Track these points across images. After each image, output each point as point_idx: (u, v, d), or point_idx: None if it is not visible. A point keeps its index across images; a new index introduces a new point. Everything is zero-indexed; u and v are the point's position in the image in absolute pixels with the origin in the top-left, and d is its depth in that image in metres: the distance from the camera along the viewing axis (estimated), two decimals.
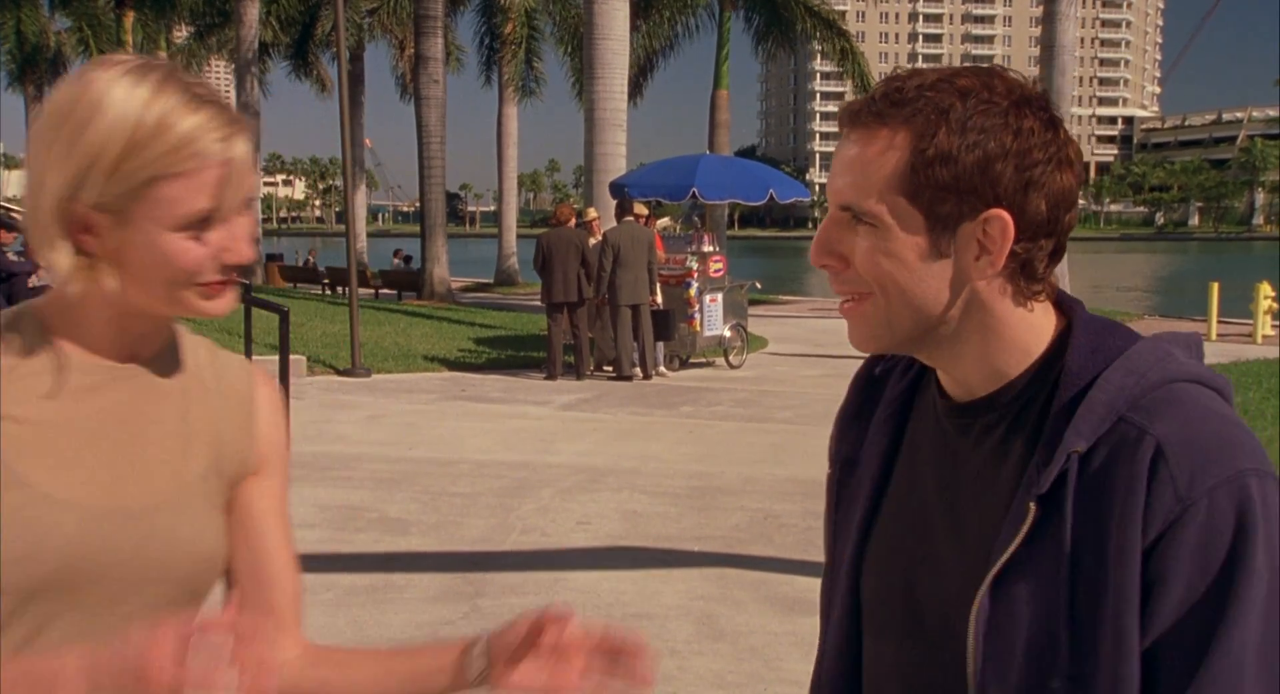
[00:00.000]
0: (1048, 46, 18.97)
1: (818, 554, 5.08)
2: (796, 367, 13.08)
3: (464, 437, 8.29)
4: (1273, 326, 17.34)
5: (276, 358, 11.38)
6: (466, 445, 7.96)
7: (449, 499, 6.34)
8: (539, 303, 12.38)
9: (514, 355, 12.86)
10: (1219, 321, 17.77)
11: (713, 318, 12.40)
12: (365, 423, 8.76)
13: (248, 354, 10.67)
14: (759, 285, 19.41)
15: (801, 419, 9.28)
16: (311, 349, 12.24)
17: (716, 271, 12.48)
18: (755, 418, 9.34)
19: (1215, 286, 17.90)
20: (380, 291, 27.39)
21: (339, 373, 11.33)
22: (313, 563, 5.33)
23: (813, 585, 4.96)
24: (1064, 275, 19.63)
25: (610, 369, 11.88)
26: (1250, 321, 17.41)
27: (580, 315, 11.58)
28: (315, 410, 9.24)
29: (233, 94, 29.35)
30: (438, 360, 12.30)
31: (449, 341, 13.80)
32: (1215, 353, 14.52)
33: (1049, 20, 18.91)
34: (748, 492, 6.65)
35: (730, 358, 12.70)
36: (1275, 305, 17.14)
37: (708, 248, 12.44)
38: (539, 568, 5.12)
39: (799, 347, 15.46)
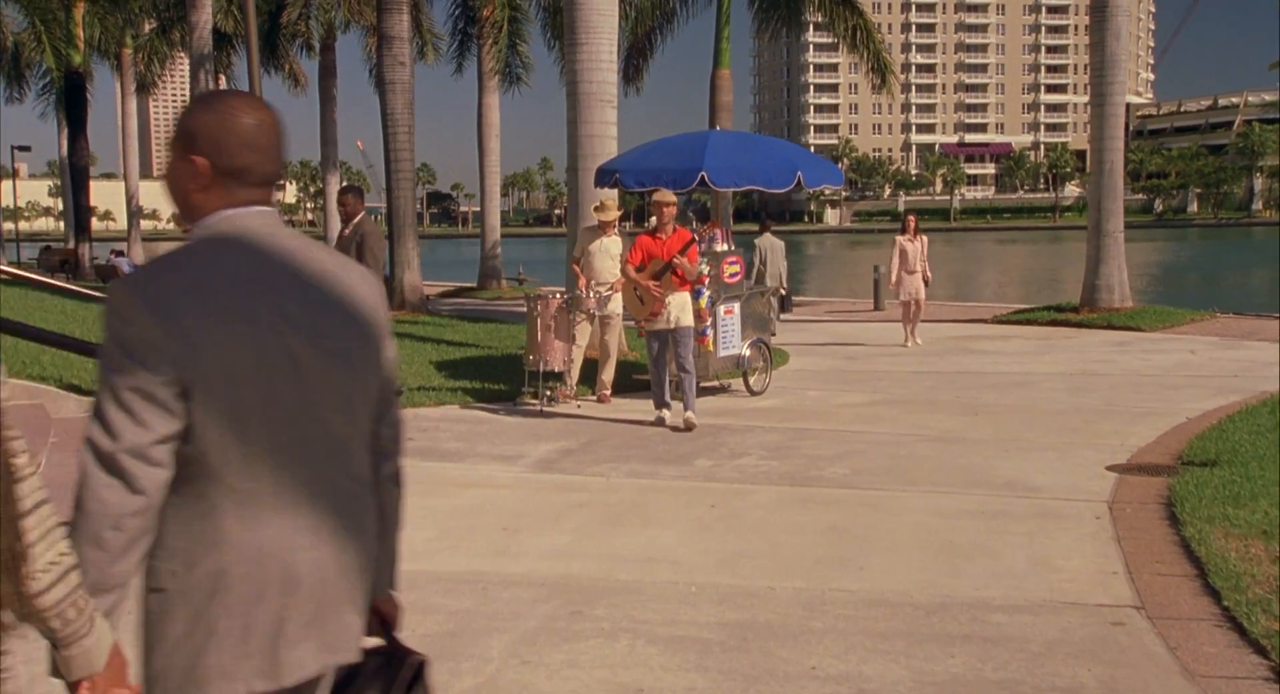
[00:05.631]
0: (1099, 8, 16.54)
1: None
2: (832, 390, 10.63)
3: None
4: None
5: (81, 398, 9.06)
6: None
7: None
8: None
9: (483, 388, 10.38)
10: None
11: (729, 334, 9.96)
12: None
13: None
14: (783, 290, 16.89)
15: (860, 479, 6.83)
16: None
17: (732, 276, 10.01)
18: (798, 478, 6.90)
19: None
20: None
21: None
22: None
23: None
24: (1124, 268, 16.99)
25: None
26: None
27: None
28: None
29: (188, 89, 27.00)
30: None
31: (406, 366, 11.34)
32: None
33: None
34: (815, 632, 4.21)
35: (750, 382, 10.25)
36: None
37: (721, 247, 9.96)
38: None
39: (827, 360, 13.01)
